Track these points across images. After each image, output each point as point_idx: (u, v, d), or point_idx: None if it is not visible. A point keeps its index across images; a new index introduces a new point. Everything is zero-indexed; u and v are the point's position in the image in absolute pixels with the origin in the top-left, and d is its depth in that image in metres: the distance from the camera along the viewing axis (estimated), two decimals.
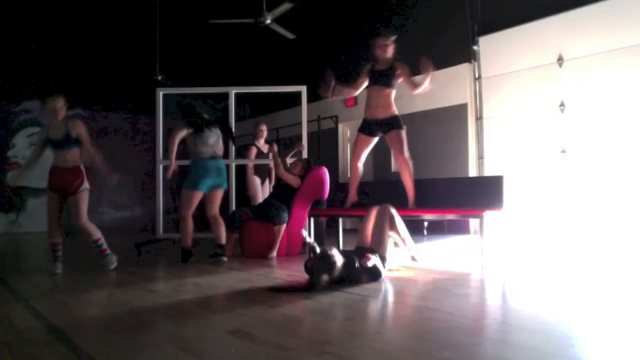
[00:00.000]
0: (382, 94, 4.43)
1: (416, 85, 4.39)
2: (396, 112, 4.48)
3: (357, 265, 3.06)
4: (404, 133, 4.44)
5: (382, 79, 4.43)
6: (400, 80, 4.44)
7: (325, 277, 2.89)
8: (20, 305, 2.78)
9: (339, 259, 2.98)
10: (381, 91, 4.44)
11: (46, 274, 3.87)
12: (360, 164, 4.68)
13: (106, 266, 4.02)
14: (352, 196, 4.74)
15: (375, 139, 4.62)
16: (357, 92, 4.74)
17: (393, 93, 4.48)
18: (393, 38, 4.48)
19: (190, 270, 3.96)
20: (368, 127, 4.55)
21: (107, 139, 9.96)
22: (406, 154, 4.41)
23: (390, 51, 4.47)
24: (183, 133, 4.39)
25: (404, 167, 4.39)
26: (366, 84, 4.57)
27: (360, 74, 4.61)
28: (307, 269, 2.97)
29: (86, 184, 3.97)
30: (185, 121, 4.52)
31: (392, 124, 4.42)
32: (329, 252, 2.97)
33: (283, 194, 4.95)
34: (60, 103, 3.97)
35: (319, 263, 2.93)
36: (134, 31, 9.31)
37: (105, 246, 4.09)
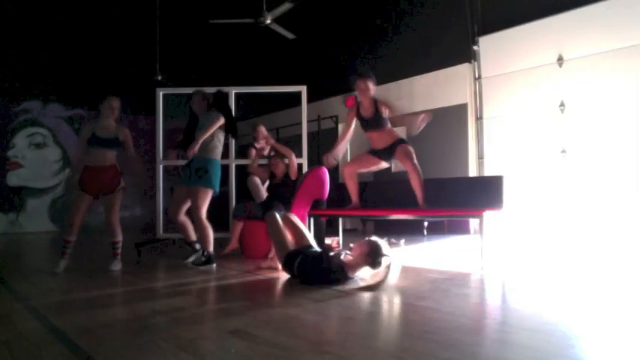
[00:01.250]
0: (381, 136, 4.36)
1: (404, 115, 4.40)
2: (400, 137, 4.39)
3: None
4: (409, 146, 4.31)
5: (373, 124, 4.35)
6: (388, 114, 4.33)
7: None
8: (20, 305, 2.78)
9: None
10: (377, 134, 4.37)
11: (46, 274, 3.87)
12: (355, 173, 4.55)
13: (111, 267, 4.04)
14: (356, 203, 4.59)
15: (382, 164, 4.48)
16: (352, 126, 4.53)
17: (389, 126, 4.39)
18: (371, 79, 4.31)
19: (190, 270, 3.96)
20: (375, 152, 4.46)
21: None
22: (414, 161, 4.24)
23: (370, 93, 4.31)
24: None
25: (413, 175, 4.22)
26: (354, 120, 4.47)
27: (348, 115, 4.53)
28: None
29: (123, 183, 4.09)
30: (222, 114, 4.19)
31: (397, 143, 4.32)
32: (373, 240, 3.14)
33: (279, 194, 4.94)
34: (117, 104, 4.10)
35: (377, 253, 3.08)
36: (134, 31, 9.31)
37: (119, 251, 4.14)
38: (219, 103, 4.22)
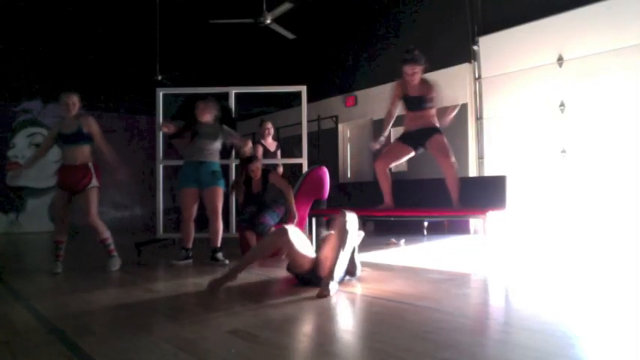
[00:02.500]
0: (422, 116, 4.23)
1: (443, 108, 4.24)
2: (437, 125, 4.24)
3: None
4: (445, 139, 4.19)
5: (416, 104, 4.23)
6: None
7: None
8: (20, 305, 2.78)
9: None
10: (414, 114, 4.25)
11: (46, 274, 3.87)
12: (388, 169, 4.39)
13: (109, 267, 4.02)
14: (388, 203, 4.34)
15: (410, 153, 4.35)
16: (397, 105, 4.38)
17: (432, 111, 4.25)
18: (418, 64, 4.15)
19: (190, 270, 3.97)
20: (406, 137, 4.33)
21: (107, 139, 9.95)
22: (452, 159, 4.16)
23: (418, 76, 4.17)
24: None
25: (449, 173, 4.14)
26: (398, 104, 4.35)
27: (392, 95, 4.37)
28: None
29: (95, 182, 4.02)
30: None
31: (432, 131, 4.20)
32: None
33: (269, 201, 4.77)
34: (74, 99, 4.08)
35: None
36: (134, 31, 9.31)
37: (112, 246, 4.11)
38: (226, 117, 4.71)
